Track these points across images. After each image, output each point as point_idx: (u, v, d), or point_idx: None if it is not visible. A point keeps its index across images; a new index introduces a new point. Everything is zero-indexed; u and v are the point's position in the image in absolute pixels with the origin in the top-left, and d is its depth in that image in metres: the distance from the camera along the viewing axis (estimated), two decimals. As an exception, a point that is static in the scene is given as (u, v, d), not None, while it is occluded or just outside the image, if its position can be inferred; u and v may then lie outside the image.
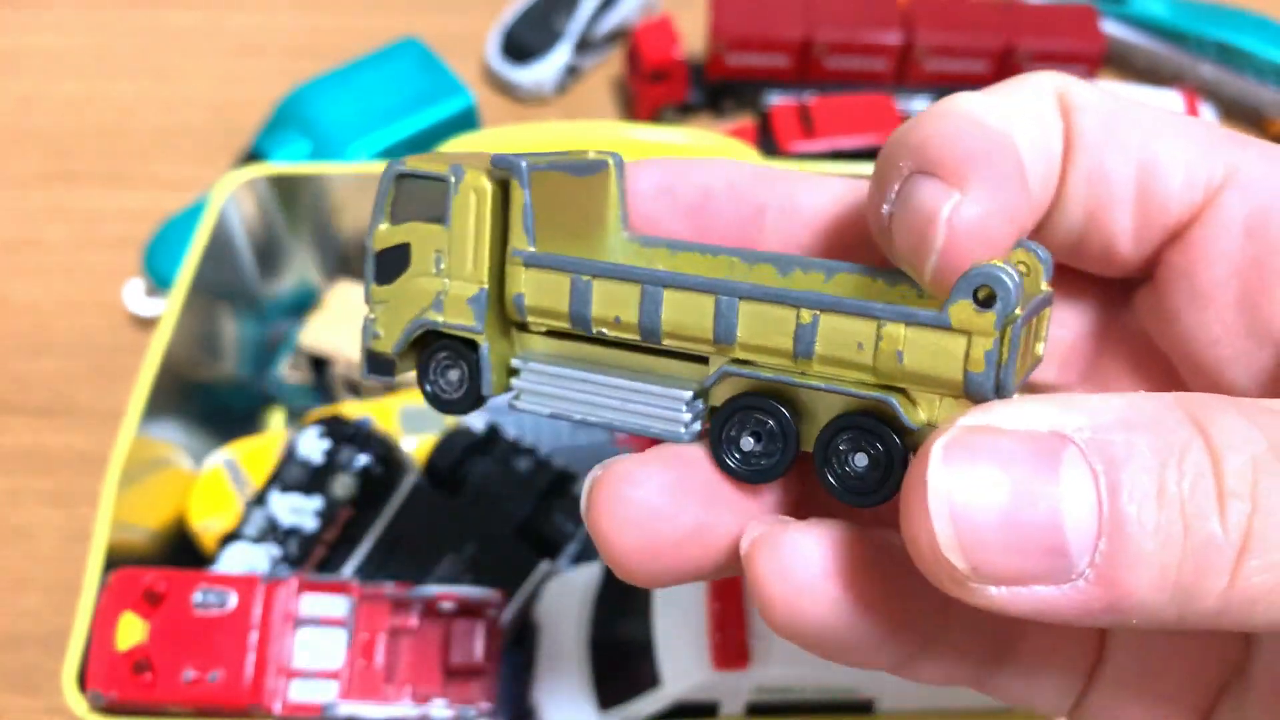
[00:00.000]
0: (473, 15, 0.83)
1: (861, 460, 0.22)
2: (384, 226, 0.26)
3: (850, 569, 0.21)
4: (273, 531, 0.50)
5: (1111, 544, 0.18)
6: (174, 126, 0.78)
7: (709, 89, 0.78)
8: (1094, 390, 0.25)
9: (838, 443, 0.22)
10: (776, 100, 0.75)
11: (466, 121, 0.70)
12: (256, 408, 0.62)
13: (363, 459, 0.51)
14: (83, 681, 0.42)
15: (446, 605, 0.45)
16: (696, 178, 0.26)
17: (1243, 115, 0.78)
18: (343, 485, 0.51)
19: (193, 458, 0.55)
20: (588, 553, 0.51)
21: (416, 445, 0.55)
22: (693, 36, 0.78)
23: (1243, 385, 0.24)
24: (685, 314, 0.23)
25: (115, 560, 0.45)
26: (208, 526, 0.53)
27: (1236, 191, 0.23)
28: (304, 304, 0.63)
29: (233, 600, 0.43)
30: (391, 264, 0.26)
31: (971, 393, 0.21)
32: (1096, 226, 0.24)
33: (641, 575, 0.23)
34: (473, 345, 0.25)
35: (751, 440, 0.23)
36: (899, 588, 0.22)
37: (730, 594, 0.43)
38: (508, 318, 0.25)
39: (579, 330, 0.24)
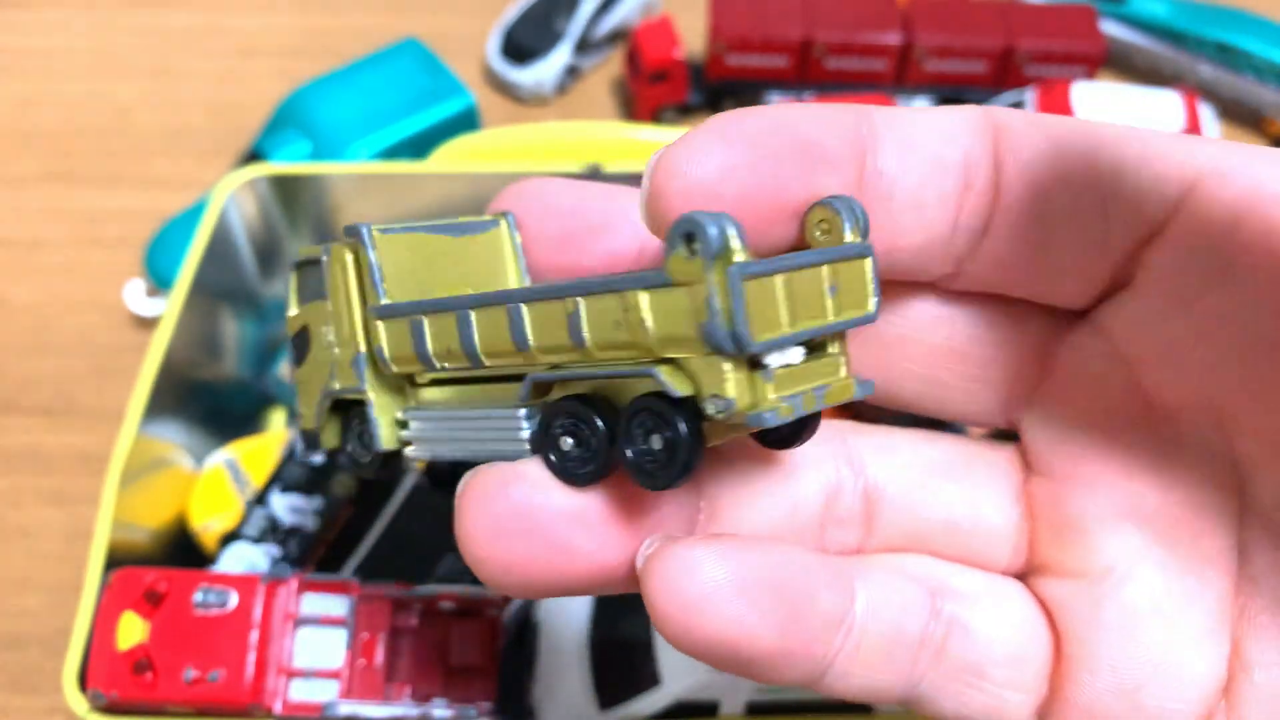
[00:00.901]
0: (473, 16, 0.83)
1: (657, 442, 0.21)
2: (292, 312, 0.28)
3: (743, 583, 0.21)
4: (273, 531, 0.50)
5: None
6: (174, 127, 0.78)
7: (709, 90, 0.78)
8: (1047, 421, 0.25)
9: (633, 429, 0.21)
10: (777, 101, 0.75)
11: (467, 122, 0.70)
12: (257, 408, 0.62)
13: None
14: (83, 681, 0.42)
15: (447, 605, 0.45)
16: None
17: (1242, 115, 0.78)
18: (343, 485, 0.51)
19: (193, 458, 0.55)
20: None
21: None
22: (693, 37, 0.79)
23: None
24: (490, 330, 0.23)
25: (116, 560, 0.45)
26: (208, 526, 0.53)
27: (1214, 181, 0.22)
28: (304, 304, 0.63)
29: (233, 600, 0.43)
30: (301, 346, 0.28)
31: (713, 345, 0.20)
32: (1063, 242, 0.23)
33: (507, 586, 0.22)
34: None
35: (570, 441, 0.22)
36: (793, 600, 0.22)
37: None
38: (392, 374, 0.26)
39: (431, 369, 0.25)
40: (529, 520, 0.22)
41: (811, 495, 0.25)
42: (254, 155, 0.68)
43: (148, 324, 0.67)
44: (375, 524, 0.51)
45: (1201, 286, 0.22)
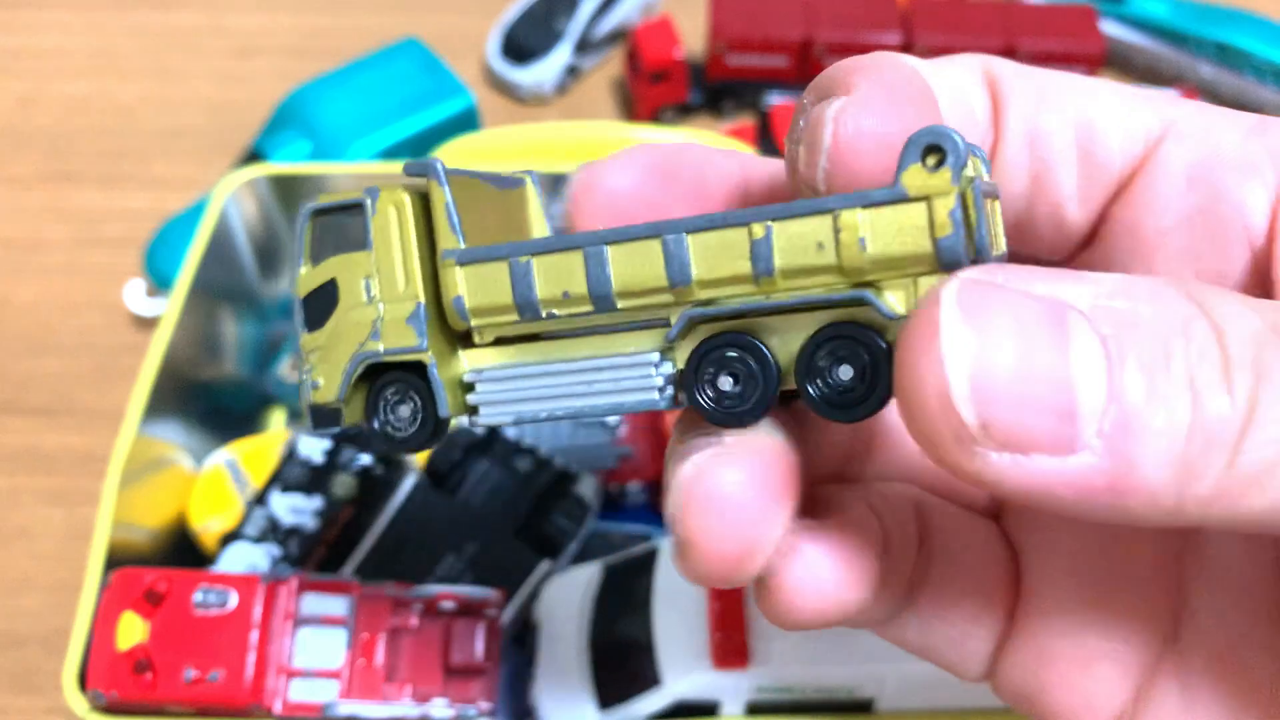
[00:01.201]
0: (473, 15, 0.83)
1: (846, 372, 0.20)
2: (305, 270, 0.25)
3: (849, 574, 0.22)
4: (273, 531, 0.50)
5: (1120, 412, 0.17)
6: (174, 126, 0.78)
7: (709, 89, 0.78)
8: None
9: (818, 360, 0.21)
10: (776, 101, 0.75)
11: (467, 122, 0.70)
12: (257, 407, 0.62)
13: (363, 459, 0.51)
14: (83, 681, 0.42)
15: (447, 605, 0.45)
16: (690, 158, 0.25)
17: (1242, 115, 0.78)
18: (343, 485, 0.51)
19: (193, 458, 0.55)
20: (588, 552, 0.52)
21: (417, 445, 0.55)
22: (693, 37, 0.78)
23: None
24: (635, 266, 0.22)
25: (116, 560, 0.45)
26: (208, 526, 0.53)
27: (1175, 143, 0.23)
28: (304, 304, 0.63)
29: (233, 600, 0.43)
30: (320, 306, 0.25)
31: (947, 261, 0.19)
32: (1042, 191, 0.24)
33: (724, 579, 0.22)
34: (420, 369, 0.24)
35: (730, 381, 0.22)
36: (875, 572, 0.23)
37: (730, 593, 0.43)
38: (452, 332, 0.24)
39: (528, 319, 0.23)
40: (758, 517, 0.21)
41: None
42: (254, 155, 0.68)
43: (148, 324, 0.67)
44: (375, 524, 0.51)
45: (1159, 241, 0.23)
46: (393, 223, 0.24)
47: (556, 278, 0.22)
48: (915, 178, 0.19)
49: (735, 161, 0.25)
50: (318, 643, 0.44)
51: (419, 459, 0.54)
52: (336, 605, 0.44)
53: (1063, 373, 0.17)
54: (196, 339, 0.55)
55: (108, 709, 0.42)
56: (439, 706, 0.43)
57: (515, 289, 0.23)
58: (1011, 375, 0.17)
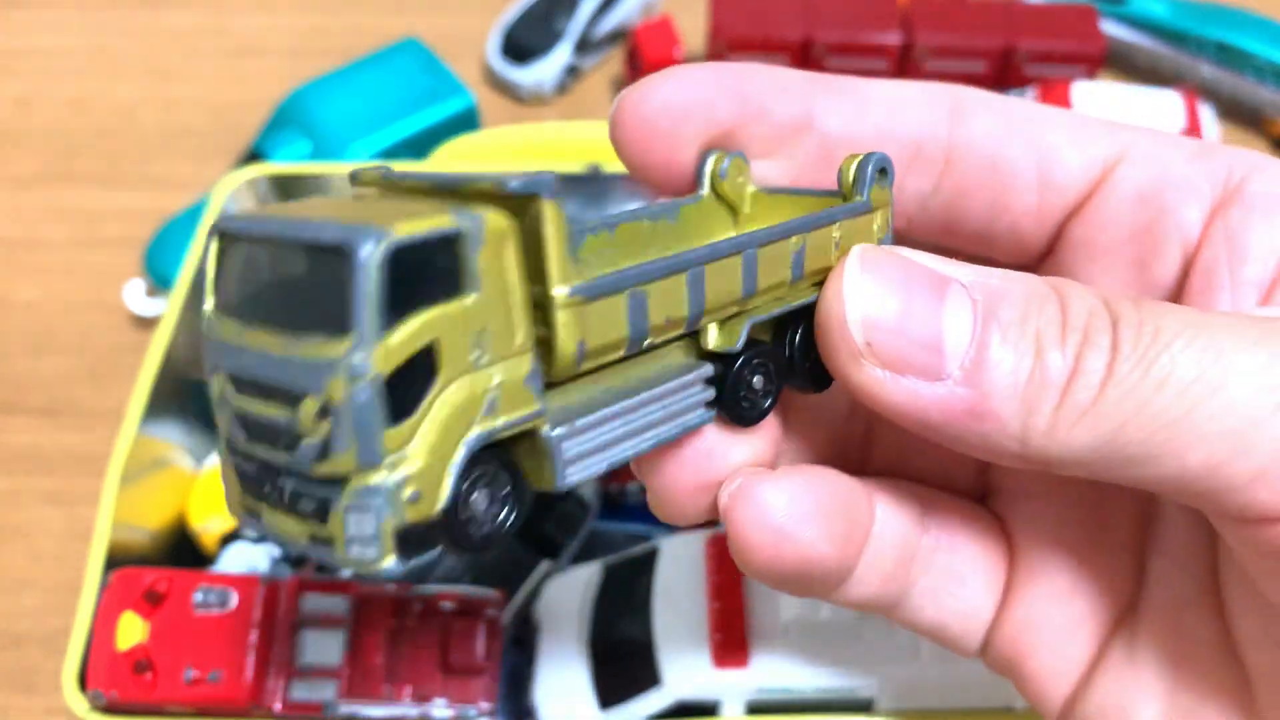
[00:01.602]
0: (473, 15, 0.83)
1: (814, 351, 0.24)
2: (383, 341, 0.17)
3: (813, 511, 0.25)
4: (273, 531, 0.50)
5: (979, 353, 0.22)
6: (174, 126, 0.78)
7: (709, 89, 0.78)
8: None
9: (793, 337, 0.24)
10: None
11: (467, 122, 0.70)
12: (257, 408, 0.62)
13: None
14: (83, 681, 0.42)
15: (446, 605, 0.45)
16: (734, 84, 0.25)
17: (1243, 115, 0.78)
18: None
19: (193, 457, 0.55)
20: (588, 552, 0.51)
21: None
22: (693, 37, 0.78)
23: None
24: (722, 282, 0.22)
25: (116, 560, 0.45)
26: (208, 526, 0.53)
27: (1128, 166, 0.26)
28: (304, 304, 0.63)
29: (233, 600, 0.43)
30: (409, 386, 0.18)
31: None
32: (1003, 210, 0.27)
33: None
34: (507, 446, 0.19)
35: (759, 378, 0.24)
36: (846, 520, 0.25)
37: (730, 593, 0.43)
38: (549, 382, 0.20)
39: (625, 353, 0.21)
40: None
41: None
42: (254, 155, 0.68)
43: (148, 324, 0.67)
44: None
45: (1109, 255, 0.26)
46: (505, 257, 0.19)
47: (665, 303, 0.21)
48: (876, 192, 0.25)
49: (801, 107, 0.26)
50: (317, 643, 0.44)
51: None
52: (336, 605, 0.44)
53: (935, 318, 0.22)
54: (196, 339, 0.55)
55: (107, 709, 0.42)
56: (438, 707, 0.43)
57: (631, 322, 0.20)
58: (893, 313, 0.22)
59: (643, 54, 0.74)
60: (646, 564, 0.47)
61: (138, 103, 0.79)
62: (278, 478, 0.19)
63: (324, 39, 0.81)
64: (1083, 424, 0.22)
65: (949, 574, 0.28)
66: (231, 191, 0.56)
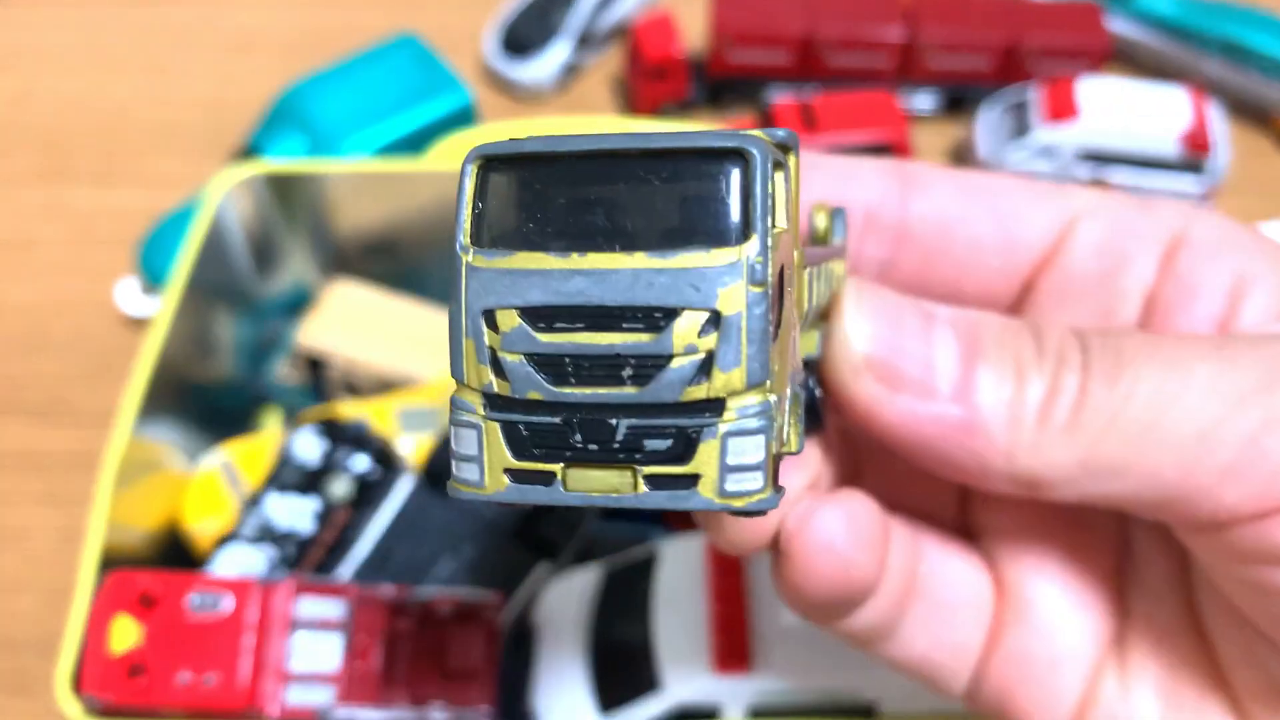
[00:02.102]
0: (471, 11, 0.82)
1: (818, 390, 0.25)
2: (772, 249, 0.16)
3: (867, 535, 0.26)
4: (269, 533, 0.50)
5: (966, 375, 0.24)
6: (169, 124, 0.77)
7: (710, 85, 0.77)
8: None
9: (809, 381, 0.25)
10: (778, 97, 0.74)
11: (464, 118, 0.70)
12: (252, 408, 0.61)
13: (360, 460, 0.51)
14: (77, 685, 0.42)
15: (445, 608, 0.44)
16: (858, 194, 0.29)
17: (1249, 112, 0.78)
18: (340, 487, 0.51)
19: (188, 458, 0.55)
20: (587, 554, 0.51)
21: (414, 446, 0.54)
22: (694, 32, 0.78)
23: None
24: (800, 293, 0.23)
25: (109, 562, 0.44)
26: (203, 528, 0.52)
27: (1088, 220, 0.28)
28: (300, 303, 0.62)
29: (228, 603, 0.43)
30: (777, 303, 0.17)
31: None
32: (970, 270, 0.29)
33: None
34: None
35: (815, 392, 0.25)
36: (884, 544, 0.27)
37: (731, 597, 0.43)
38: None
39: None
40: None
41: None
42: (250, 152, 0.67)
43: (142, 323, 0.66)
44: (372, 526, 0.50)
45: (1075, 304, 0.28)
46: (795, 190, 0.18)
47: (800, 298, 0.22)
48: (843, 241, 0.26)
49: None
50: (314, 646, 0.43)
51: (417, 459, 0.53)
52: (333, 608, 0.44)
53: (926, 342, 0.24)
54: (191, 338, 0.54)
55: (102, 713, 0.41)
56: (437, 710, 0.43)
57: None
58: (889, 335, 0.24)
59: (643, 50, 0.74)
60: (647, 567, 0.46)
61: (132, 99, 0.79)
62: (602, 423, 0.16)
63: (320, 35, 0.81)
64: (1063, 440, 0.23)
65: (940, 604, 0.29)
66: (227, 189, 0.55)
